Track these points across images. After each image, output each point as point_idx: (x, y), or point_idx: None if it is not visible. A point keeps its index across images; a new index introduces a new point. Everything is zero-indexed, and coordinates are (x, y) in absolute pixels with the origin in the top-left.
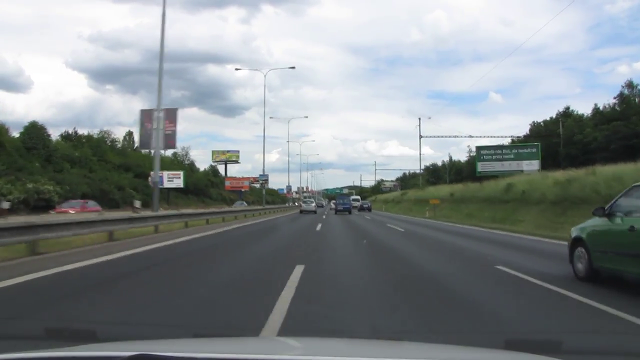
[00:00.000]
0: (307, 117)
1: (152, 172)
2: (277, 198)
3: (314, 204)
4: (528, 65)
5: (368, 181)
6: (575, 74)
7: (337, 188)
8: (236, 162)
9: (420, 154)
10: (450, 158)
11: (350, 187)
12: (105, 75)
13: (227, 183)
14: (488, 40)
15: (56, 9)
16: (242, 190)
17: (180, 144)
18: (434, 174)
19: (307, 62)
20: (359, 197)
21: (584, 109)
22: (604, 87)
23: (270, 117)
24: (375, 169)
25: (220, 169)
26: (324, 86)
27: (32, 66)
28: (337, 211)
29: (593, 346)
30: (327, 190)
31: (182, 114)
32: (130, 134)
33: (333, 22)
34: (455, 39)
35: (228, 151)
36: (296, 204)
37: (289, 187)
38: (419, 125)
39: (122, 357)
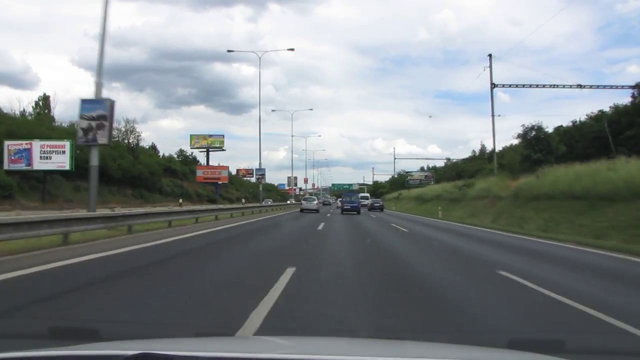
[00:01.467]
0: (296, 56)
1: (7, 142)
2: (275, 195)
3: (315, 202)
4: (537, 65)
5: (381, 175)
6: (583, 74)
7: (346, 184)
8: (220, 148)
9: (493, 115)
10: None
11: (360, 184)
12: (112, 73)
13: (199, 173)
14: (496, 40)
15: (63, 7)
16: (219, 182)
17: (184, 140)
18: (539, 146)
19: (314, 62)
20: (368, 194)
21: (594, 108)
22: (613, 88)
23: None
24: (395, 158)
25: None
26: (331, 85)
27: (39, 64)
28: (343, 210)
29: (595, 346)
30: (333, 185)
31: (188, 111)
32: (45, 98)
33: (340, 21)
34: (462, 39)
35: (210, 135)
36: (290, 201)
37: (259, 171)
38: (490, 67)
39: (124, 356)
